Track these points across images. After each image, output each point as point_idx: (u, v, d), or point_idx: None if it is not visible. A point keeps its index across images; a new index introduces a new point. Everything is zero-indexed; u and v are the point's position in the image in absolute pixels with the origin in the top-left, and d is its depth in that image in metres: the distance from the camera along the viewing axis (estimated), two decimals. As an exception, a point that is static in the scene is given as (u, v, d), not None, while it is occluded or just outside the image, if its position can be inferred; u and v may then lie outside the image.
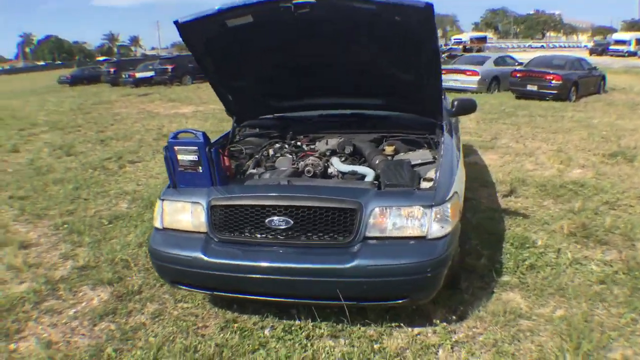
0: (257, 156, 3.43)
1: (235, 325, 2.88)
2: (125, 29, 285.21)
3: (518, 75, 13.11)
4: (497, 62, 15.24)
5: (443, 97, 4.62)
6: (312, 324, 2.82)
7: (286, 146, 3.54)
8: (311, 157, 3.26)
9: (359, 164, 3.26)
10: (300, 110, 3.95)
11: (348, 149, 3.36)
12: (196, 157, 2.77)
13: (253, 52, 3.23)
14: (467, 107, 3.94)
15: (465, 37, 44.97)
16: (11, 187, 6.01)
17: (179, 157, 2.82)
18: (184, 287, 2.90)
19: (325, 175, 3.16)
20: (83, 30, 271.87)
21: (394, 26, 2.78)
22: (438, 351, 2.58)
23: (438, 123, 3.53)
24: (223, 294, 2.82)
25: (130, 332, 2.89)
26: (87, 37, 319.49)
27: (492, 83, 14.63)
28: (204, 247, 2.66)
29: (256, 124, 4.01)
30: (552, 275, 3.30)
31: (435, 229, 2.52)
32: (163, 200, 2.89)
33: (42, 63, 76.10)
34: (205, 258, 2.61)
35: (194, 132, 2.78)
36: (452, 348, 2.59)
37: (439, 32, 58.20)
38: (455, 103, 3.88)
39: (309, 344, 2.65)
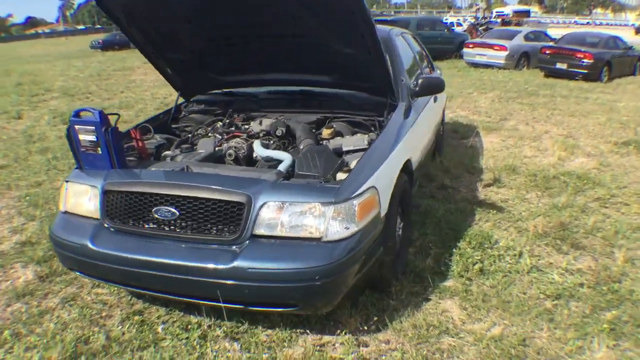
0: (187, 136, 3.21)
1: (137, 318, 2.69)
2: None
3: (547, 52, 12.22)
4: (527, 38, 14.24)
5: (420, 73, 4.26)
6: (213, 322, 2.61)
7: (219, 125, 3.29)
8: (235, 140, 2.99)
9: (291, 148, 2.99)
10: (249, 86, 3.68)
11: (280, 131, 3.06)
12: (94, 137, 2.56)
13: (177, 20, 2.96)
14: (433, 87, 3.53)
15: (508, 10, 42.78)
16: (-5, 155, 6.02)
17: (80, 136, 2.61)
18: (78, 274, 2.73)
19: (250, 159, 2.90)
20: None
21: None
22: (334, 367, 2.33)
23: (390, 103, 3.19)
24: (112, 284, 2.64)
25: (37, 316, 2.76)
26: None
27: (521, 59, 13.74)
28: (92, 235, 2.46)
29: (204, 100, 3.75)
30: (503, 283, 2.95)
31: (335, 230, 2.22)
32: (67, 182, 2.71)
33: (82, 27, 77.32)
34: (91, 246, 2.41)
35: (92, 110, 2.56)
36: (350, 365, 2.33)
37: (483, 4, 55.48)
38: (419, 82, 3.49)
39: (198, 345, 2.44)
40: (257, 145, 2.85)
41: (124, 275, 2.40)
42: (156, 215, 2.36)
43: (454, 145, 6.05)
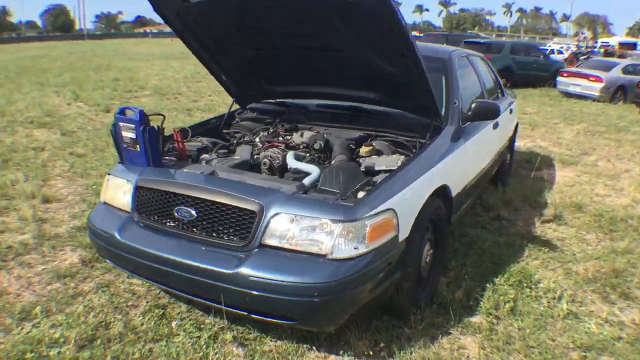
0: (234, 141, 3.32)
1: (158, 311, 2.80)
2: None
3: (644, 87, 11.21)
4: (626, 70, 13.10)
5: (483, 97, 4.10)
6: (226, 325, 2.66)
7: (262, 134, 3.36)
8: (272, 149, 3.04)
9: (327, 162, 2.98)
10: (300, 98, 3.73)
11: (318, 144, 3.07)
12: (134, 134, 2.72)
13: (227, 28, 3.07)
14: (485, 112, 3.38)
15: (614, 41, 39.82)
16: (78, 145, 6.57)
17: (123, 133, 2.79)
18: (109, 261, 2.89)
19: (284, 170, 2.93)
20: None
21: (352, 6, 2.45)
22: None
23: (435, 125, 3.09)
24: (132, 274, 2.76)
25: (70, 297, 2.96)
26: None
27: (617, 93, 12.68)
28: (121, 227, 2.60)
29: (258, 108, 3.86)
30: (532, 327, 2.72)
31: (342, 249, 2.17)
32: (109, 174, 2.90)
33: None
34: (118, 237, 2.56)
35: (134, 109, 2.72)
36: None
37: (589, 34, 52.07)
38: (472, 106, 3.36)
39: (205, 346, 2.49)
40: (289, 156, 2.87)
41: (142, 268, 2.52)
42: (177, 215, 2.45)
43: (523, 176, 5.72)
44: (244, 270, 2.18)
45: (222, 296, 2.24)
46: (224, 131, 3.65)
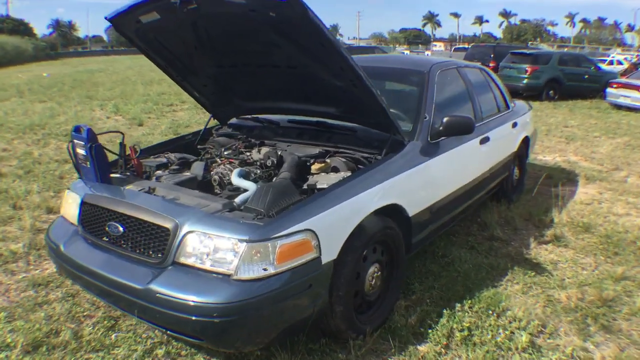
0: (189, 160, 3.35)
1: (107, 322, 2.85)
2: (326, 17, 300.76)
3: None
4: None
5: (475, 110, 3.93)
6: (163, 340, 2.68)
7: (223, 150, 3.38)
8: (223, 166, 3.05)
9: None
10: (272, 113, 3.72)
11: (270, 161, 3.05)
12: (85, 151, 2.81)
13: (187, 47, 3.11)
14: (458, 127, 3.22)
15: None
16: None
17: (77, 150, 2.89)
18: (57, 273, 2.99)
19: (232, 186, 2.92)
20: None
21: (277, 22, 2.42)
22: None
23: (393, 140, 2.99)
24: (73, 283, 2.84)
25: (37, 304, 3.07)
26: None
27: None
28: (67, 240, 2.70)
29: (236, 124, 3.89)
30: (481, 358, 2.54)
31: (247, 269, 2.13)
32: (68, 189, 3.01)
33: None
34: (62, 249, 2.65)
35: (84, 127, 2.82)
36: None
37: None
38: (444, 121, 3.21)
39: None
40: (234, 173, 2.86)
41: (78, 279, 2.60)
42: (108, 230, 2.51)
43: (538, 193, 5.37)
44: (153, 286, 2.19)
45: (136, 311, 2.26)
46: (199, 147, 3.70)
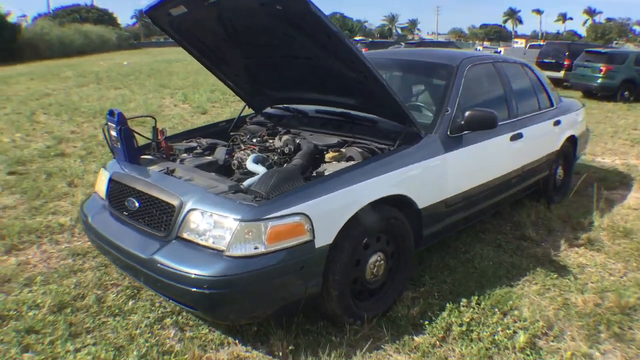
0: (219, 145, 3.52)
1: (129, 292, 3.09)
2: (406, 11, 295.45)
3: None
4: None
5: (508, 106, 3.84)
6: (175, 309, 2.88)
7: (248, 137, 3.52)
8: (243, 151, 3.20)
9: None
10: (301, 104, 3.82)
11: (288, 149, 3.15)
12: (116, 133, 3.06)
13: (216, 39, 3.25)
14: (479, 122, 3.18)
15: None
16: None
17: (110, 132, 3.15)
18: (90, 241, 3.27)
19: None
20: (367, 10, 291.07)
21: (286, 15, 2.52)
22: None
23: (408, 132, 3.02)
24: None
25: (71, 272, 3.38)
26: (370, 17, 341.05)
27: None
28: (96, 213, 2.96)
29: (268, 113, 4.02)
30: (476, 355, 2.51)
31: (239, 246, 2.25)
32: (102, 168, 3.28)
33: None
34: (90, 221, 2.92)
35: (115, 110, 3.06)
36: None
37: None
38: (465, 115, 3.18)
39: (146, 326, 2.72)
40: (249, 158, 3.00)
41: (100, 248, 2.86)
42: (127, 204, 2.73)
43: (586, 195, 5.11)
44: (156, 257, 2.37)
45: (142, 279, 2.46)
46: (231, 133, 3.87)
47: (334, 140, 3.25)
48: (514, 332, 2.70)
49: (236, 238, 2.26)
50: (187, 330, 2.74)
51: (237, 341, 2.63)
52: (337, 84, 3.16)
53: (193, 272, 2.23)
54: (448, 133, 3.21)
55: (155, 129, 3.39)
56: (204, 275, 2.21)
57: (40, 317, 2.79)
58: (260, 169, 2.83)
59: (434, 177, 3.08)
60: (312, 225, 2.39)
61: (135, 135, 3.11)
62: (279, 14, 2.54)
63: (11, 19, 32.50)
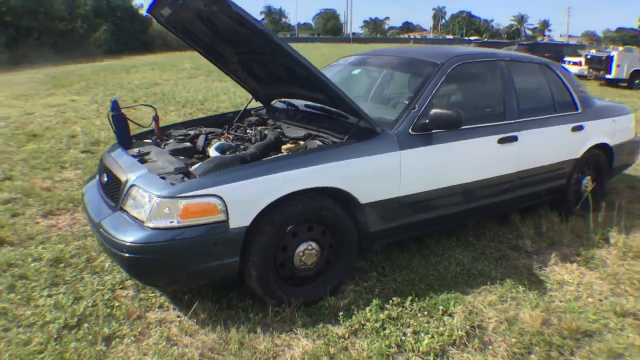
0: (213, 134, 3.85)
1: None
2: (536, 11, 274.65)
3: None
4: None
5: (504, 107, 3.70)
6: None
7: (232, 127, 3.80)
8: (216, 139, 3.49)
9: None
10: (291, 97, 4.00)
11: (255, 139, 3.39)
12: (109, 119, 3.53)
13: (208, 35, 3.53)
14: (442, 121, 3.13)
15: None
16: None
17: (111, 119, 3.63)
18: None
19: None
20: (495, 9, 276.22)
21: (222, 15, 2.76)
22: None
23: (359, 127, 3.09)
24: None
25: (84, 237, 3.86)
26: (498, 17, 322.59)
27: None
28: (90, 187, 3.45)
29: (272, 106, 4.28)
30: (376, 349, 2.54)
31: (157, 219, 2.55)
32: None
33: (449, 37, 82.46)
34: (82, 192, 3.43)
35: (114, 99, 3.52)
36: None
37: None
38: (430, 114, 3.16)
39: (110, 284, 3.16)
40: (213, 146, 3.28)
41: (85, 214, 3.30)
42: (103, 179, 3.18)
43: (626, 211, 4.64)
44: (102, 222, 2.79)
45: (96, 238, 2.90)
46: (235, 124, 4.19)
47: (303, 132, 3.41)
48: (432, 336, 2.67)
49: (155, 211, 2.57)
50: (142, 292, 3.11)
51: (173, 306, 2.94)
52: (299, 80, 3.31)
53: (120, 237, 2.59)
54: (410, 131, 3.20)
55: (155, 117, 3.82)
56: (125, 241, 2.55)
57: (35, 268, 3.36)
58: (215, 155, 3.10)
59: (382, 174, 3.09)
60: (227, 207, 2.60)
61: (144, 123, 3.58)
62: (213, 12, 2.79)
63: (143, 11, 35.89)
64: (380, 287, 3.18)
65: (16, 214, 4.28)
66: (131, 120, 3.62)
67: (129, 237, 2.57)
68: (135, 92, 12.16)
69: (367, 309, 2.86)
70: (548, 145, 3.98)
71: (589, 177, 4.46)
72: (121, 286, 3.17)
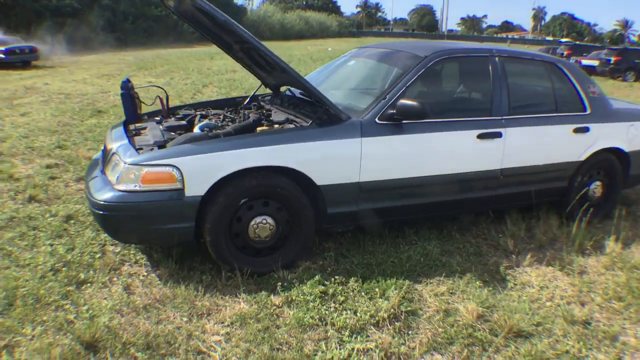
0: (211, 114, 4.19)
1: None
2: None
3: None
4: None
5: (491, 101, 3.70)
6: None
7: (231, 111, 4.10)
8: (205, 121, 3.80)
9: None
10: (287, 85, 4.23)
11: (239, 120, 3.66)
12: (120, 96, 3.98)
13: (210, 26, 3.82)
14: (408, 112, 3.21)
15: None
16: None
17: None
18: None
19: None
20: (601, 13, 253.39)
21: (188, 10, 3.05)
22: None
23: (327, 113, 3.26)
24: None
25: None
26: (603, 21, 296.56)
27: None
28: (98, 156, 3.92)
29: (281, 93, 4.52)
30: (299, 318, 2.72)
31: (123, 182, 2.91)
32: None
33: (548, 38, 77.72)
34: (92, 158, 3.92)
35: (125, 80, 3.95)
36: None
37: None
38: (397, 103, 3.25)
39: (95, 238, 3.60)
40: (197, 125, 3.60)
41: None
42: (102, 148, 3.63)
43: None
44: (88, 183, 3.23)
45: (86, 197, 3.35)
46: (241, 107, 4.49)
47: (285, 117, 3.64)
48: (356, 313, 2.79)
49: (123, 176, 2.94)
50: (126, 249, 3.52)
51: (146, 263, 3.32)
52: (276, 70, 3.53)
53: (95, 196, 2.99)
54: (377, 120, 3.30)
55: (166, 97, 4.22)
56: (99, 200, 2.95)
57: (48, 222, 3.89)
58: (196, 132, 3.42)
59: (340, 159, 3.22)
60: (183, 177, 2.91)
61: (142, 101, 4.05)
62: (185, 9, 3.09)
63: (238, 1, 37.17)
64: (334, 267, 3.34)
65: (54, 177, 4.93)
66: (140, 101, 4.05)
67: (102, 196, 2.96)
68: (210, 77, 12.99)
69: (308, 283, 3.04)
70: (540, 145, 3.84)
71: (599, 183, 4.23)
72: (113, 243, 3.60)
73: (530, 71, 4.03)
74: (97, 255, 3.39)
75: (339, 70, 4.36)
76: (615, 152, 4.18)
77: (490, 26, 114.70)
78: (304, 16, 42.63)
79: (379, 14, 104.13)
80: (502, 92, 3.71)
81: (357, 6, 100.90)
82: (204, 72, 14.45)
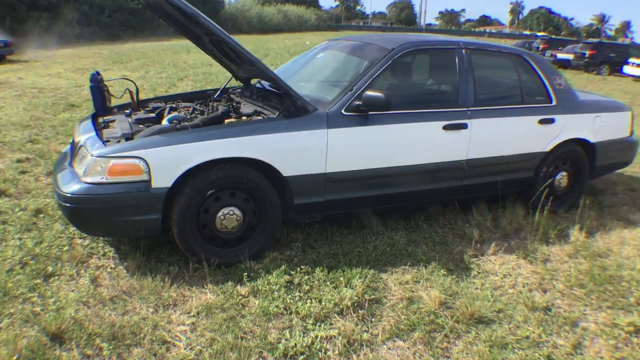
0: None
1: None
2: (619, 12, 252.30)
3: None
4: None
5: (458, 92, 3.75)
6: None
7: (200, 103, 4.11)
8: (174, 113, 3.80)
9: None
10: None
11: (207, 112, 3.67)
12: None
13: (181, 19, 3.81)
14: (373, 103, 3.26)
15: None
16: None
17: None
18: None
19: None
20: (577, 7, 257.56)
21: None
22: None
23: (294, 105, 3.29)
24: None
25: None
26: (580, 15, 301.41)
27: None
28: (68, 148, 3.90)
29: (247, 87, 4.53)
30: (264, 307, 2.76)
31: (90, 174, 2.91)
32: None
33: (525, 32, 78.42)
34: (62, 151, 3.90)
35: (93, 72, 3.93)
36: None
37: None
38: (363, 95, 3.29)
39: (64, 231, 3.59)
40: (166, 117, 3.60)
41: None
42: (71, 141, 3.62)
43: (598, 206, 4.52)
44: (56, 175, 3.21)
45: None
46: (211, 100, 4.48)
47: (253, 109, 3.66)
48: (320, 302, 2.84)
49: (90, 168, 2.93)
50: (94, 242, 3.52)
51: (114, 256, 3.32)
52: (245, 62, 3.55)
53: (62, 189, 2.98)
54: (343, 111, 3.34)
55: (136, 90, 4.21)
56: (66, 192, 2.94)
57: (18, 216, 3.86)
58: (165, 124, 3.42)
59: (306, 150, 3.26)
60: (150, 168, 2.92)
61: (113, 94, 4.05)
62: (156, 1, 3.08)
63: None
64: (300, 257, 3.38)
65: (24, 171, 4.88)
66: (109, 94, 4.03)
67: (69, 188, 2.95)
68: (185, 71, 12.89)
69: (274, 273, 3.07)
70: (506, 136, 3.93)
71: (564, 173, 4.34)
72: (81, 236, 3.60)
73: (497, 63, 4.10)
74: (65, 248, 3.38)
75: (310, 62, 4.40)
76: (581, 142, 4.29)
77: (468, 20, 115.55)
78: (282, 10, 42.31)
79: (358, 7, 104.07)
80: (468, 83, 3.78)
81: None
82: (180, 65, 14.33)
